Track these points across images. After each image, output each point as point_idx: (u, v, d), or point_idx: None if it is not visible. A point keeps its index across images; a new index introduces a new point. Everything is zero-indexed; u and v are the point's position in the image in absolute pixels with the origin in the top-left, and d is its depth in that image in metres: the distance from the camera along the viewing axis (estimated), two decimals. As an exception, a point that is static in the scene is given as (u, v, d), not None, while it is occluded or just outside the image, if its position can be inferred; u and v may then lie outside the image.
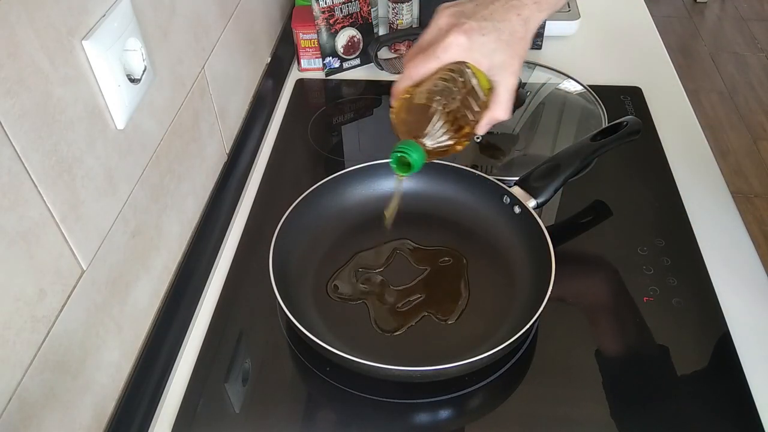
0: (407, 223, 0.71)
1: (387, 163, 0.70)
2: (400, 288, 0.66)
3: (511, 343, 0.56)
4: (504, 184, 0.70)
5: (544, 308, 0.57)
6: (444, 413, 0.58)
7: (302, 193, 0.69)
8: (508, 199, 0.69)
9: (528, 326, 0.56)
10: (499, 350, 0.55)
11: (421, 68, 0.57)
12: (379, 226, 0.69)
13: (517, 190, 0.68)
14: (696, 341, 0.62)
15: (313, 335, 0.56)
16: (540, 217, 0.66)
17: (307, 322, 0.59)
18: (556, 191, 0.69)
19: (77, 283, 0.49)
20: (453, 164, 0.73)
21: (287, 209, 0.67)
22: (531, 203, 0.67)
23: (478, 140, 0.84)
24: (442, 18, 0.58)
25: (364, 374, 0.57)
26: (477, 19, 0.57)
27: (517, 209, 0.68)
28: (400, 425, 0.57)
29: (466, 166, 0.73)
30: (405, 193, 0.72)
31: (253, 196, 0.80)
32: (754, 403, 0.57)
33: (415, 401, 0.58)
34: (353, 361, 0.55)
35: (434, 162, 0.71)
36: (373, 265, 0.69)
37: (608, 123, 0.84)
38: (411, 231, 0.72)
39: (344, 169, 0.73)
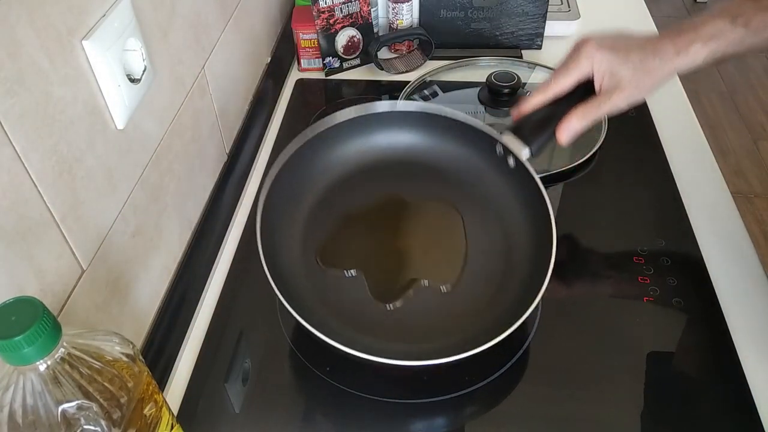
0: (398, 176, 0.68)
1: (362, 117, 0.68)
2: (394, 251, 0.64)
3: (515, 327, 0.54)
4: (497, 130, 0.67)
5: (545, 289, 0.56)
6: (444, 413, 0.58)
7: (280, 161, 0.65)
8: (502, 150, 0.66)
9: (533, 306, 0.54)
10: (503, 337, 0.54)
11: (554, 83, 0.64)
12: (366, 180, 0.66)
13: (509, 138, 0.65)
14: (696, 341, 0.62)
15: (315, 328, 0.54)
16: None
17: (304, 308, 0.56)
18: (549, 140, 0.65)
19: (77, 283, 0.49)
20: (444, 113, 0.68)
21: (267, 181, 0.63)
22: (524, 152, 0.64)
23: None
24: (580, 37, 0.65)
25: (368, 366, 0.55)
26: (614, 39, 0.64)
27: (511, 162, 0.65)
28: (400, 425, 0.57)
29: (452, 113, 0.68)
30: (394, 143, 0.70)
31: (253, 196, 0.80)
32: (754, 403, 0.57)
33: (415, 401, 0.58)
34: (351, 353, 0.53)
35: (425, 112, 0.69)
36: (363, 224, 0.65)
37: (608, 124, 0.84)
38: (402, 184, 0.69)
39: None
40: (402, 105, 0.71)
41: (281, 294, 0.55)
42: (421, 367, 0.56)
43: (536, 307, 0.65)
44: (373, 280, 0.63)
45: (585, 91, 0.65)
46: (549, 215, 0.59)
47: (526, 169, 0.63)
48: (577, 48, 0.65)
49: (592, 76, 0.64)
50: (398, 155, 0.69)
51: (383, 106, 0.69)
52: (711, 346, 0.62)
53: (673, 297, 0.65)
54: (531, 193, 0.62)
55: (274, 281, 0.56)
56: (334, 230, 0.65)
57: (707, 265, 0.68)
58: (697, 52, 0.61)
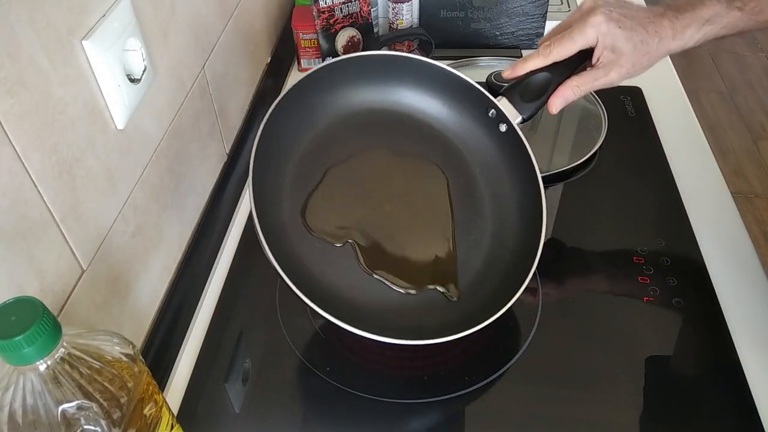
0: (383, 128, 0.66)
1: (337, 61, 0.63)
2: (381, 215, 0.62)
3: (512, 303, 0.54)
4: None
5: (535, 268, 0.56)
6: (444, 413, 0.58)
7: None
8: (494, 113, 0.64)
9: (529, 277, 0.54)
10: (505, 309, 0.53)
11: (556, 49, 0.62)
12: (352, 136, 0.63)
13: (503, 103, 0.64)
14: (696, 341, 0.62)
15: (312, 302, 0.52)
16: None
17: (301, 282, 0.54)
18: (542, 106, 0.64)
19: (77, 283, 0.49)
20: (439, 65, 0.65)
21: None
22: (517, 120, 0.63)
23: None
24: (586, 2, 0.63)
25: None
26: (620, 11, 0.62)
27: (503, 127, 0.63)
28: (400, 425, 0.57)
29: (445, 66, 0.66)
30: (378, 98, 0.67)
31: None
32: (754, 403, 0.57)
33: (415, 401, 0.58)
34: (348, 329, 0.51)
35: (420, 60, 0.65)
36: (348, 183, 0.63)
37: (608, 124, 0.84)
38: (388, 137, 0.66)
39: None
40: (394, 52, 0.68)
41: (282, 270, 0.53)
42: (415, 347, 0.54)
43: (536, 308, 0.65)
44: (361, 247, 0.60)
45: (581, 59, 0.64)
46: (538, 181, 0.58)
47: (518, 135, 0.62)
48: (585, 15, 0.63)
49: (594, 46, 0.63)
50: (387, 108, 0.66)
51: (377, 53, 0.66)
52: (711, 346, 0.62)
53: (673, 297, 0.65)
54: (521, 159, 0.61)
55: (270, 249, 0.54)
56: (322, 192, 0.63)
57: (707, 265, 0.68)
58: (691, 36, 0.62)
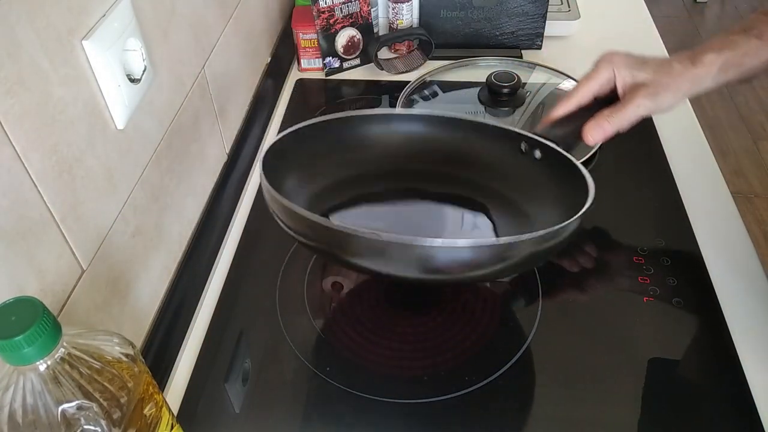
0: (413, 175, 0.68)
1: (409, 114, 0.68)
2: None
3: (555, 229, 0.51)
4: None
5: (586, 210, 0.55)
6: (444, 413, 0.58)
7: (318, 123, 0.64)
8: (527, 146, 0.64)
9: (574, 218, 0.53)
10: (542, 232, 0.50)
11: (576, 93, 0.65)
12: (387, 177, 0.65)
13: (535, 136, 0.64)
14: (696, 341, 0.62)
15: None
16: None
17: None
18: (575, 140, 0.64)
19: (77, 283, 0.49)
20: (464, 117, 0.68)
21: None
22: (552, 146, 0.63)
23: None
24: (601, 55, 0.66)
25: (359, 254, 0.51)
26: (630, 53, 0.65)
27: (537, 153, 0.64)
28: (400, 425, 0.57)
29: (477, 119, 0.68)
30: (408, 144, 0.69)
31: (253, 196, 0.80)
32: (754, 403, 0.57)
33: (415, 401, 0.58)
34: (344, 232, 0.48)
35: (444, 115, 0.68)
36: (378, 213, 0.65)
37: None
38: (424, 184, 0.68)
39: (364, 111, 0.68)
40: (422, 110, 0.71)
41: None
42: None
43: (536, 308, 0.65)
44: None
45: (609, 102, 0.65)
46: (585, 178, 0.57)
47: (557, 153, 0.61)
48: (598, 60, 0.66)
49: (614, 82, 0.65)
50: (418, 155, 0.68)
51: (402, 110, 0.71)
52: (711, 346, 0.62)
53: (673, 297, 0.65)
54: (564, 170, 0.61)
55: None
56: (347, 211, 0.64)
57: (707, 265, 0.68)
58: (712, 62, 0.62)
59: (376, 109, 0.69)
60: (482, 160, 0.68)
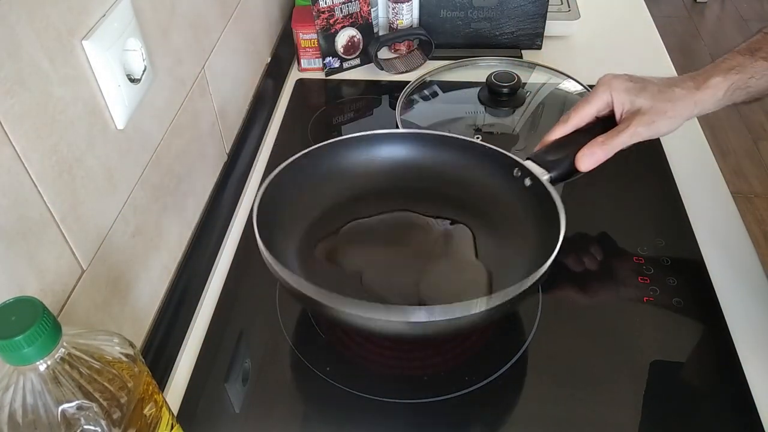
0: (407, 195, 0.69)
1: (388, 132, 0.70)
2: (397, 258, 0.64)
3: (513, 289, 0.52)
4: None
5: (548, 268, 0.55)
6: (444, 413, 0.58)
7: (298, 155, 0.66)
8: (519, 172, 0.65)
9: (535, 278, 0.53)
10: (497, 297, 0.52)
11: (575, 114, 0.65)
12: (378, 195, 0.66)
13: (529, 164, 0.65)
14: (696, 341, 0.62)
15: (293, 280, 0.52)
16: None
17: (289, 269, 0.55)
18: (571, 167, 0.65)
19: (77, 283, 0.49)
20: (459, 136, 0.70)
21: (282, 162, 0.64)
22: (544, 177, 0.63)
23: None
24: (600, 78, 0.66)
25: (351, 324, 0.53)
26: (632, 75, 0.65)
27: (527, 181, 0.64)
28: (400, 425, 0.57)
29: (471, 138, 0.69)
30: (406, 164, 0.71)
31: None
32: (754, 403, 0.57)
33: (415, 401, 0.58)
34: (339, 308, 0.50)
35: (438, 133, 0.71)
36: (368, 233, 0.66)
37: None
38: (413, 203, 0.69)
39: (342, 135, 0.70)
40: (415, 130, 0.73)
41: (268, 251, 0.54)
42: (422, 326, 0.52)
43: (536, 308, 0.65)
44: (373, 283, 0.62)
45: (606, 124, 0.65)
46: (560, 225, 0.57)
47: (543, 187, 0.62)
48: (596, 84, 0.66)
49: (612, 106, 0.65)
50: (409, 173, 0.70)
51: (398, 130, 0.72)
52: (711, 346, 0.62)
53: (673, 297, 0.65)
54: (546, 208, 0.61)
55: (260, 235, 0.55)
56: (340, 238, 0.66)
57: (707, 265, 0.68)
58: (717, 85, 0.62)
59: (361, 132, 0.69)
60: (474, 180, 0.69)
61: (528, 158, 0.66)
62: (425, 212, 0.68)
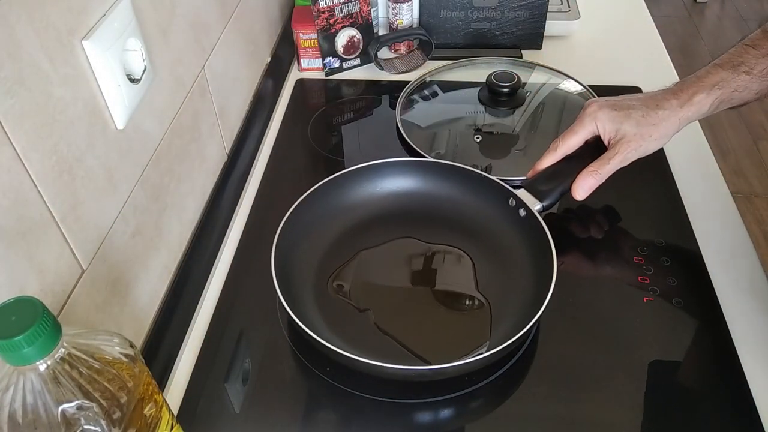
0: (411, 222, 0.72)
1: (389, 162, 0.73)
2: (403, 288, 0.66)
3: (509, 344, 0.56)
4: (508, 185, 0.70)
5: (542, 313, 0.57)
6: (444, 413, 0.58)
7: (303, 193, 0.69)
8: (514, 202, 0.69)
9: (525, 329, 0.56)
10: (497, 351, 0.55)
11: (563, 143, 0.68)
12: (382, 224, 0.69)
13: (523, 193, 0.68)
14: (696, 341, 0.62)
15: (312, 332, 0.56)
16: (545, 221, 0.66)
17: (307, 319, 0.59)
18: (562, 195, 0.69)
19: (77, 283, 0.49)
20: (458, 165, 0.73)
21: (289, 208, 0.67)
22: (536, 207, 0.67)
23: (478, 139, 0.85)
24: (586, 103, 0.69)
25: (363, 372, 0.57)
26: (616, 99, 0.68)
27: (522, 212, 0.68)
28: (400, 425, 0.57)
29: (468, 167, 0.73)
30: (408, 192, 0.74)
31: (253, 196, 0.80)
32: (754, 404, 0.57)
33: (415, 401, 0.58)
34: (350, 358, 0.55)
35: (439, 162, 0.74)
36: (375, 264, 0.68)
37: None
38: (415, 230, 0.72)
39: (345, 168, 0.73)
40: (416, 159, 0.76)
41: (284, 297, 0.57)
42: (414, 373, 0.57)
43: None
44: (382, 318, 0.64)
45: (595, 148, 0.68)
46: (553, 265, 0.61)
47: (536, 220, 0.66)
48: (582, 111, 0.68)
49: (598, 134, 0.68)
50: (410, 201, 0.74)
51: (397, 159, 0.75)
52: (711, 346, 0.62)
53: (673, 297, 0.65)
54: (538, 239, 0.64)
55: (279, 286, 0.59)
56: (350, 273, 0.68)
57: (707, 265, 0.68)
58: (701, 102, 0.64)
59: (364, 164, 0.73)
60: (473, 208, 0.72)
61: (522, 186, 0.69)
62: (428, 240, 0.71)
